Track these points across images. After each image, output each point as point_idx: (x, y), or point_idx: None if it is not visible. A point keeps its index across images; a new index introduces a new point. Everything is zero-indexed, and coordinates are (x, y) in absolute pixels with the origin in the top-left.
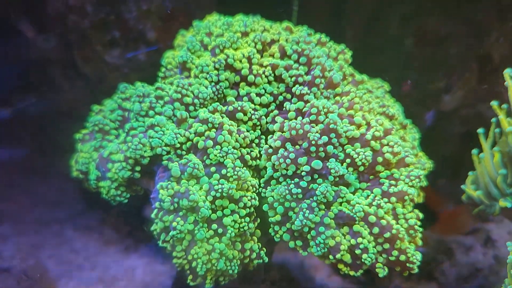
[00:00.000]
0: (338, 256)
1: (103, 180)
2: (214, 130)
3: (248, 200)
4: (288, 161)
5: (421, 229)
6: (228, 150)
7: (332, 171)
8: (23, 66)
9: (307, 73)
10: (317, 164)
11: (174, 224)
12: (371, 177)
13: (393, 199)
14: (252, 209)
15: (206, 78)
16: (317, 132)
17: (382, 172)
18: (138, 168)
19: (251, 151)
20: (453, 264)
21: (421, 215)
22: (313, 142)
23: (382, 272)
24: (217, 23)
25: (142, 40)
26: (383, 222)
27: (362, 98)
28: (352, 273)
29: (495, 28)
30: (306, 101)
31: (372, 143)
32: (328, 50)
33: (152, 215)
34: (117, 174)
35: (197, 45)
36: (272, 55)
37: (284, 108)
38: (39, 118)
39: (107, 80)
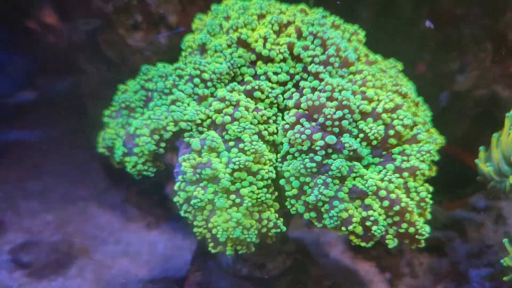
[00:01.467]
0: (350, 227)
1: (130, 156)
2: (232, 107)
3: (266, 173)
4: (303, 136)
5: (431, 202)
6: (246, 125)
7: (346, 145)
8: (48, 51)
9: (322, 54)
10: (331, 139)
11: (195, 193)
12: (384, 152)
13: (405, 174)
14: (270, 181)
15: (220, 57)
16: (332, 107)
17: (395, 147)
18: (162, 144)
19: (268, 127)
20: (464, 241)
21: (431, 188)
22: (328, 117)
23: (391, 243)
24: (234, 6)
25: (163, 23)
26: (393, 196)
27: (375, 76)
28: (363, 244)
29: (510, 7)
30: (321, 80)
31: (383, 115)
32: (342, 32)
33: (175, 187)
34: (143, 147)
35: (216, 28)
36: (289, 36)
37: (300, 87)
38: (64, 100)
39: (129, 63)
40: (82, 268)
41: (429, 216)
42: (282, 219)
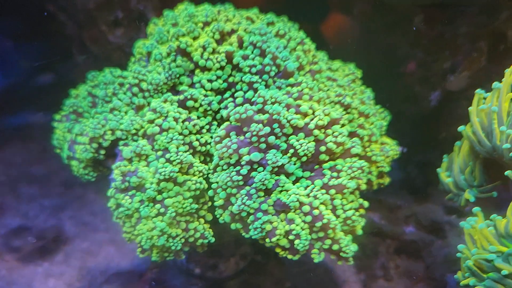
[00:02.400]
0: (274, 240)
1: (73, 160)
2: (162, 118)
3: (193, 184)
4: (230, 151)
5: (361, 220)
6: (173, 136)
7: (269, 162)
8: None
9: (260, 63)
10: (255, 156)
11: (123, 201)
12: (316, 166)
13: (332, 191)
14: (198, 192)
15: (159, 66)
16: (261, 122)
17: (326, 162)
18: (102, 152)
19: (201, 137)
20: (445, 245)
21: (365, 204)
22: (254, 133)
23: (317, 257)
24: (182, 14)
25: (144, 20)
26: (316, 212)
27: (313, 89)
28: (290, 256)
29: (507, 5)
30: (256, 90)
31: (316, 132)
32: (286, 41)
33: (108, 193)
34: (81, 155)
35: (164, 36)
36: (231, 45)
37: (235, 97)
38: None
39: (111, 59)
40: (68, 255)
41: (360, 232)
42: (210, 230)
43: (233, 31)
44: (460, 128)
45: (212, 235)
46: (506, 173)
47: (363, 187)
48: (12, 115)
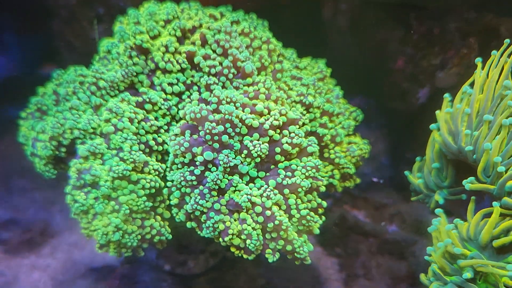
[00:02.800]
0: (226, 239)
1: (35, 157)
2: (118, 118)
3: (147, 182)
4: (182, 149)
5: (317, 220)
6: (127, 136)
7: (221, 162)
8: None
9: (220, 63)
10: (208, 155)
11: (78, 197)
12: (272, 166)
13: (286, 190)
14: (153, 191)
15: (116, 64)
16: (215, 121)
17: (282, 162)
18: (63, 149)
19: (159, 136)
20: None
21: (324, 204)
22: (207, 131)
23: (271, 257)
24: (144, 12)
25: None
26: (268, 212)
27: (270, 88)
28: (245, 256)
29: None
30: (212, 91)
31: (270, 132)
32: (250, 40)
33: (66, 190)
34: (41, 152)
35: (125, 34)
36: (193, 43)
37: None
38: None
39: (93, 55)
40: (55, 248)
41: (316, 232)
42: (167, 227)
43: (194, 28)
44: (432, 126)
45: (170, 232)
46: (467, 186)
47: (322, 189)
48: (8, 107)
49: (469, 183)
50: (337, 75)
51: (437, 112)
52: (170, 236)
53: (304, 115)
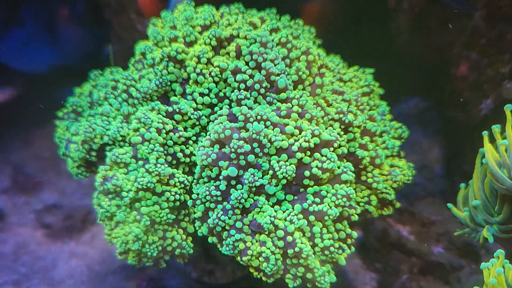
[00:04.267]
0: (245, 259)
1: (68, 158)
2: (146, 128)
3: (172, 195)
4: (209, 160)
5: (345, 250)
6: (154, 147)
7: (246, 181)
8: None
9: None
10: (232, 171)
11: (103, 203)
12: (301, 190)
13: (312, 217)
14: (178, 203)
15: (151, 73)
16: (242, 139)
17: (311, 187)
18: (93, 153)
19: (187, 148)
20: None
21: (354, 235)
22: (232, 150)
23: (291, 283)
24: (180, 16)
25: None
26: (289, 238)
27: (304, 106)
28: (264, 279)
29: None
30: (244, 105)
31: (299, 155)
32: (287, 51)
33: (94, 195)
34: (73, 154)
35: (158, 35)
36: (228, 54)
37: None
38: None
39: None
40: (94, 236)
41: (343, 263)
42: (189, 241)
43: (232, 37)
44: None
45: (191, 247)
46: None
47: (354, 218)
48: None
49: None
50: (396, 73)
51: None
52: (191, 251)
53: (342, 135)
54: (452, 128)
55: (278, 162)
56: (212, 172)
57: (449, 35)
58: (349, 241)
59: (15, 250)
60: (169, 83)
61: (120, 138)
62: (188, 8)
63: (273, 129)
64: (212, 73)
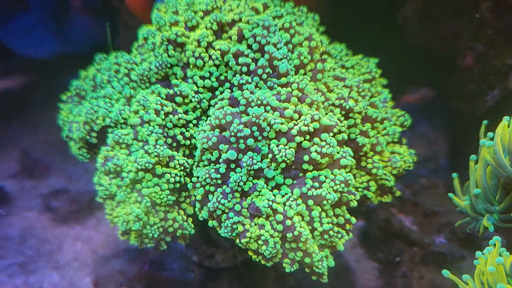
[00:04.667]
0: (243, 241)
1: (70, 140)
2: (145, 110)
3: (172, 176)
4: (210, 143)
5: (343, 235)
6: (153, 129)
7: (244, 164)
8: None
9: (255, 61)
10: (231, 154)
11: (102, 181)
12: (301, 174)
13: (311, 202)
14: (178, 185)
15: (151, 56)
16: (241, 123)
17: (310, 171)
18: (94, 135)
19: (187, 130)
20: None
21: (353, 220)
22: (232, 134)
23: (288, 267)
24: (182, 1)
25: None
26: (288, 222)
27: (304, 89)
28: (263, 262)
29: None
30: (244, 90)
31: (298, 138)
32: (290, 36)
33: (96, 174)
34: (75, 134)
35: (161, 20)
36: (230, 38)
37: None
38: None
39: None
40: (100, 221)
41: (341, 248)
42: (190, 222)
43: (234, 22)
44: (482, 141)
45: (193, 227)
46: None
47: (353, 204)
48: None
49: None
50: (404, 63)
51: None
52: (193, 231)
53: (342, 121)
54: (458, 119)
55: (277, 146)
56: (212, 155)
57: (456, 26)
58: (347, 226)
59: (22, 233)
60: (168, 65)
61: (122, 121)
62: None
63: (273, 113)
64: (213, 56)
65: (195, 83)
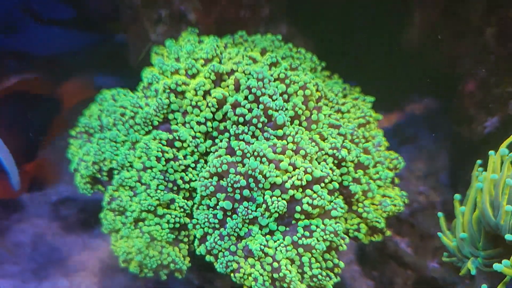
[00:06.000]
0: (237, 276)
1: (77, 173)
2: (147, 156)
3: (172, 218)
4: (208, 191)
5: (332, 278)
6: (155, 175)
7: (239, 214)
8: None
9: (251, 112)
10: (227, 204)
11: (107, 217)
12: (293, 222)
13: (301, 249)
14: (178, 225)
15: (154, 101)
16: (238, 174)
17: (302, 220)
18: (104, 174)
19: (186, 175)
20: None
21: (341, 264)
22: (229, 184)
23: None
24: (183, 48)
25: (184, 20)
26: (275, 264)
27: (299, 143)
28: None
29: None
30: (241, 140)
31: (291, 192)
32: (286, 86)
33: (102, 211)
34: (83, 171)
35: (164, 66)
36: (227, 87)
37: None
38: None
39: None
40: None
41: None
42: (184, 258)
43: (232, 71)
44: (478, 185)
45: (185, 263)
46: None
47: (343, 248)
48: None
49: (504, 267)
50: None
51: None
52: (185, 267)
53: (334, 170)
54: (459, 139)
55: (271, 197)
56: (210, 201)
57: (460, 49)
58: (336, 270)
59: (34, 240)
60: (166, 107)
61: (128, 164)
62: (192, 38)
63: (268, 165)
64: (209, 104)
65: (192, 128)
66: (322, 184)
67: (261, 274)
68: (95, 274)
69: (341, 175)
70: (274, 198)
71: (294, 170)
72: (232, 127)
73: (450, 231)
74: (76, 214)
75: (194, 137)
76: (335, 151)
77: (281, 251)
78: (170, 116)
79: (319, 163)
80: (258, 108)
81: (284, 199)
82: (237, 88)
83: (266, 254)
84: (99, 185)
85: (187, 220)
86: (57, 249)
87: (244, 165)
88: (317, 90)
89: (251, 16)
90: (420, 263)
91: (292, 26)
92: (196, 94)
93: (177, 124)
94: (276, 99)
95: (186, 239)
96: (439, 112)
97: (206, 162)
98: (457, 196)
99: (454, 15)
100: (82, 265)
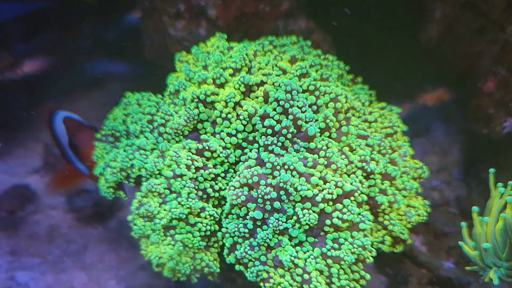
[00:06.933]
0: (267, 285)
1: (102, 177)
2: (177, 165)
3: (203, 226)
4: (239, 200)
5: None
6: (186, 183)
7: (270, 225)
8: None
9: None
10: (258, 214)
11: (137, 222)
12: (322, 233)
13: (330, 261)
14: (208, 233)
15: (183, 110)
16: (268, 185)
17: (331, 233)
18: (132, 180)
19: (216, 183)
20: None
21: (367, 276)
22: (260, 195)
23: None
24: (212, 57)
25: (204, 15)
26: (306, 276)
27: (331, 158)
28: None
29: None
30: (271, 152)
31: (321, 205)
32: (315, 98)
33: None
34: (108, 177)
35: (190, 73)
36: (256, 98)
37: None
38: None
39: (169, 51)
40: (121, 222)
41: None
42: (216, 262)
43: (262, 83)
44: (501, 190)
45: (218, 266)
46: None
47: (369, 260)
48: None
49: None
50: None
51: None
52: (218, 270)
53: (363, 183)
54: (474, 137)
55: (302, 209)
56: (240, 211)
57: (479, 46)
58: (362, 282)
59: (49, 232)
60: (196, 117)
61: (157, 172)
62: (221, 45)
63: (299, 178)
64: (241, 117)
65: (223, 139)
66: (352, 198)
67: (290, 285)
68: (112, 267)
69: (369, 186)
70: (305, 210)
71: (324, 183)
72: (261, 138)
73: (470, 239)
74: (91, 206)
75: (224, 148)
76: (364, 164)
77: (311, 262)
78: (199, 126)
79: (348, 175)
80: (287, 119)
81: (314, 211)
82: (266, 100)
83: (296, 266)
84: (121, 192)
85: (217, 227)
86: (73, 241)
87: (274, 177)
88: (346, 102)
89: (270, 10)
90: (434, 262)
91: (310, 20)
92: (226, 106)
93: (206, 133)
94: (306, 110)
95: (216, 245)
96: (452, 106)
97: (235, 171)
98: (475, 209)
99: (474, 12)
100: (99, 258)
